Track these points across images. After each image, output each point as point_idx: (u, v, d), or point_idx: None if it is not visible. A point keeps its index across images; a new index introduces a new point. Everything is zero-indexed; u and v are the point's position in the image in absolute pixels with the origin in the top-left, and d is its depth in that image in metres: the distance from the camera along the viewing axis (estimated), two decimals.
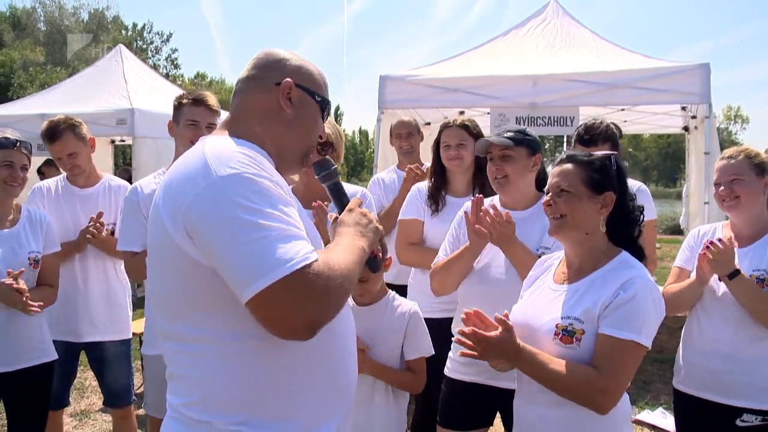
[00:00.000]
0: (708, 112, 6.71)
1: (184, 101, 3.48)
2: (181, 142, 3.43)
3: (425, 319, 3.33)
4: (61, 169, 4.11)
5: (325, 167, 2.11)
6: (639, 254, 2.40)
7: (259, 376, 1.72)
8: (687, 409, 3.20)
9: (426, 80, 7.38)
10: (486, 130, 5.93)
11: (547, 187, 2.46)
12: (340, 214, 2.02)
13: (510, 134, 3.05)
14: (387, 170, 5.19)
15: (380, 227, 1.98)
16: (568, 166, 2.40)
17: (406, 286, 4.19)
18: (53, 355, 3.52)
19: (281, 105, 1.89)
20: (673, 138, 66.34)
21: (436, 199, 3.93)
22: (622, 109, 8.64)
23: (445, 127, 3.98)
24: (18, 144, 3.36)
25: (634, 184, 3.97)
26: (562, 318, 2.28)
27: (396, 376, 3.02)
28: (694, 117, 7.96)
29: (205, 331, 1.71)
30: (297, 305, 1.55)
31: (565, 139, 14.71)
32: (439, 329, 3.27)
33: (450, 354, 3.20)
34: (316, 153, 3.28)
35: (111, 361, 4.00)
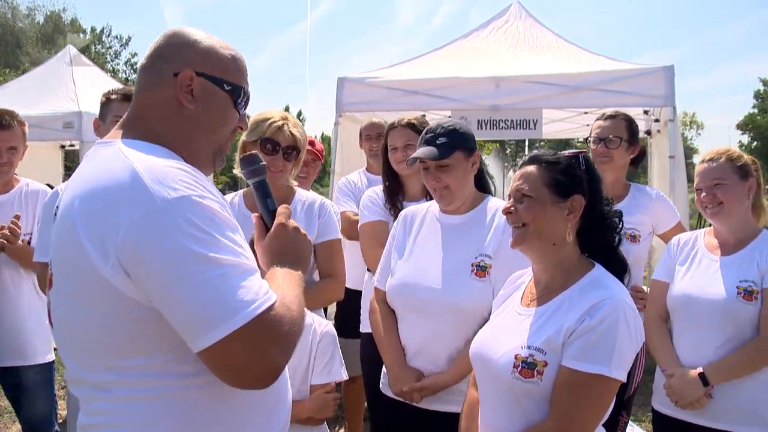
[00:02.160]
0: (672, 115, 6.56)
1: (113, 97, 3.20)
2: None
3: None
4: None
5: (251, 162, 1.88)
6: (619, 266, 2.14)
7: (198, 419, 1.49)
8: (666, 431, 3.00)
9: (385, 82, 7.13)
10: None
11: (508, 191, 2.21)
12: (264, 218, 1.80)
13: (443, 140, 2.77)
14: (356, 172, 4.89)
15: (310, 240, 1.79)
16: (531, 168, 2.16)
17: None
18: None
19: (181, 100, 1.60)
20: None
21: (394, 204, 3.70)
22: (585, 113, 8.48)
23: (391, 128, 3.75)
24: None
25: (650, 190, 3.85)
26: (522, 348, 2.03)
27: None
28: (657, 120, 7.84)
29: (136, 376, 1.44)
30: (260, 353, 1.37)
31: (527, 144, 14.64)
32: None
33: (384, 369, 2.98)
34: (277, 156, 3.04)
35: (30, 389, 3.63)
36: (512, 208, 2.15)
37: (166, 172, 1.43)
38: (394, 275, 2.94)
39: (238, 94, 1.69)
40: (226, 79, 1.66)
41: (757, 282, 2.81)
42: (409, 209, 3.14)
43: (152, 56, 1.66)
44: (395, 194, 3.75)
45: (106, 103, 3.23)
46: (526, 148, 13.63)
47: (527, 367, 1.97)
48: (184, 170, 1.46)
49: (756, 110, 65.59)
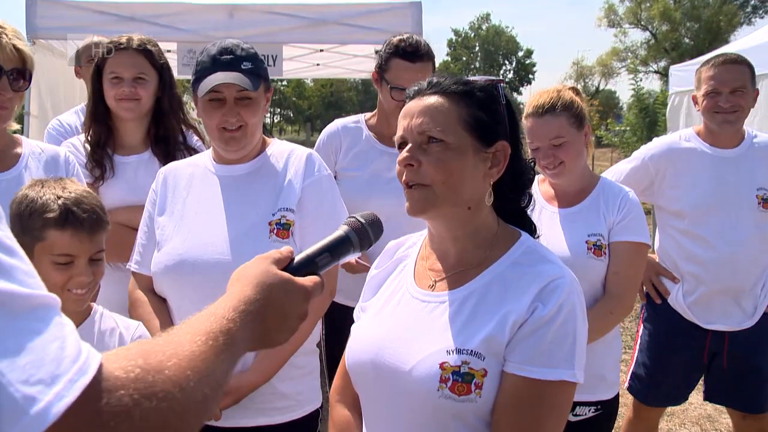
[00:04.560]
0: None
1: None
2: None
3: None
4: None
5: (377, 227, 1.38)
6: (531, 233, 1.65)
7: None
8: None
9: (93, 4, 5.84)
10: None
11: (398, 135, 1.51)
12: (300, 258, 1.25)
13: (248, 66, 2.12)
14: (71, 111, 3.68)
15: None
16: (436, 99, 1.50)
17: None
18: None
19: None
20: (335, 87, 69.25)
21: (100, 161, 2.73)
22: (321, 50, 7.92)
23: (116, 48, 2.74)
24: None
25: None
26: (449, 352, 1.42)
27: None
28: None
29: None
30: None
31: None
32: None
33: None
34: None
35: None
36: (412, 160, 1.47)
37: None
38: (161, 250, 2.22)
39: None
40: None
41: (605, 235, 2.52)
42: (169, 166, 2.42)
43: None
44: (103, 146, 2.78)
45: None
46: None
47: (462, 379, 1.39)
48: None
49: (450, 58, 71.82)
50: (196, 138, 2.91)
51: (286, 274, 1.16)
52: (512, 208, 1.61)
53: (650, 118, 15.08)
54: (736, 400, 3.24)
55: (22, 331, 0.69)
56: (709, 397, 3.35)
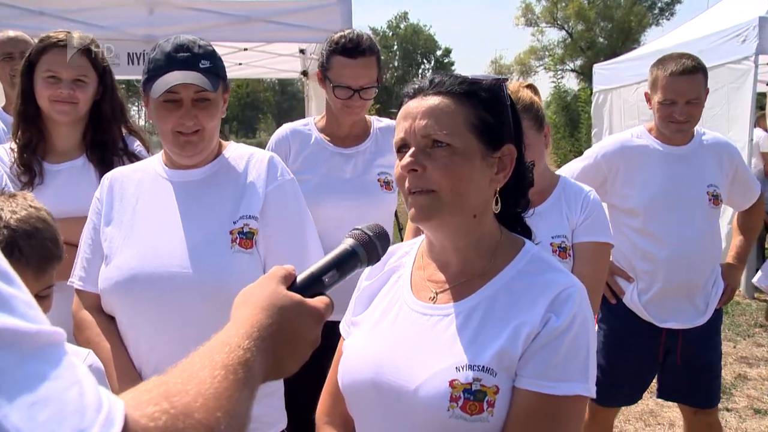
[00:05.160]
0: None
1: None
2: None
3: None
4: None
5: (383, 238, 1.28)
6: (527, 237, 1.57)
7: None
8: None
9: None
10: None
11: (398, 137, 1.43)
12: (305, 276, 1.13)
13: (207, 64, 2.00)
14: None
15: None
16: (440, 99, 1.40)
17: None
18: None
19: None
20: (252, 87, 68.29)
21: (29, 165, 2.52)
22: (245, 49, 7.69)
23: (51, 45, 2.51)
24: None
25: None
26: (459, 369, 1.33)
27: None
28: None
29: None
30: None
31: None
32: None
33: None
34: None
35: None
36: (416, 165, 1.37)
37: None
38: (110, 264, 2.04)
39: None
40: None
41: (569, 237, 2.45)
42: (114, 172, 2.22)
43: None
44: (34, 152, 2.55)
45: None
46: None
47: (473, 398, 1.31)
48: None
49: None
50: (137, 143, 2.68)
51: (297, 296, 1.06)
52: (510, 213, 1.52)
53: (571, 116, 15.45)
54: (689, 396, 3.25)
55: (34, 376, 0.60)
56: (662, 394, 3.36)
